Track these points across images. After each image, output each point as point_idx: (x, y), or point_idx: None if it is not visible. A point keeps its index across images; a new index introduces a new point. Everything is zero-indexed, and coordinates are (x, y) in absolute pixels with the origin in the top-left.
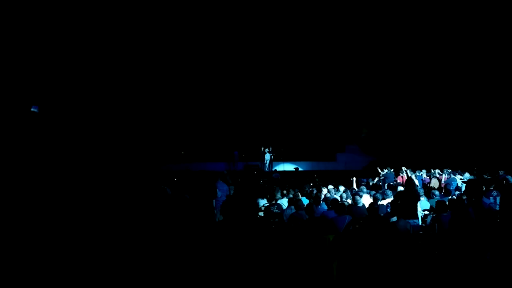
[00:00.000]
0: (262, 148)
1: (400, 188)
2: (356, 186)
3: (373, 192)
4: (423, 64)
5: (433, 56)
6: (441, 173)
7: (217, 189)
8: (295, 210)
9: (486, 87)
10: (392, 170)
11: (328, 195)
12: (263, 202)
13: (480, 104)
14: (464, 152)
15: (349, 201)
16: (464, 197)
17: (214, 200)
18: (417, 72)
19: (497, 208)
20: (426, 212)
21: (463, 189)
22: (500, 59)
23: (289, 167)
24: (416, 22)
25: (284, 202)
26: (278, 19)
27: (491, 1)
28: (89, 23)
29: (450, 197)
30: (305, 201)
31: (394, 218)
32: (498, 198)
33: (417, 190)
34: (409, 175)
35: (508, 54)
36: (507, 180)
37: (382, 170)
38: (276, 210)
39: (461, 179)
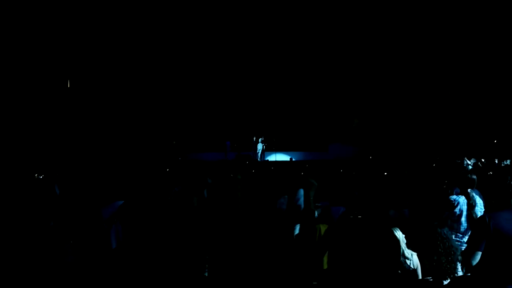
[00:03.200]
0: (254, 138)
1: None
2: None
3: None
4: (416, 56)
5: (425, 48)
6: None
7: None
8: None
9: (477, 79)
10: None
11: None
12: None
13: (472, 96)
14: (456, 144)
15: None
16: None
17: (205, 190)
18: (409, 64)
19: None
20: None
21: None
22: (492, 58)
23: (281, 157)
24: (406, 15)
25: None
26: (268, 12)
27: (491, 1)
28: (87, 23)
29: None
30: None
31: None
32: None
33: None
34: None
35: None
36: None
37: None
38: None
39: None
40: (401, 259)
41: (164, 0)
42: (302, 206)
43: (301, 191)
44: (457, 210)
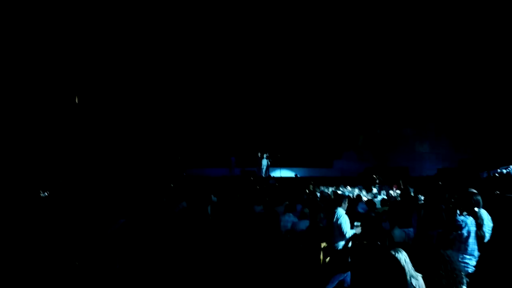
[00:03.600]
0: (259, 153)
1: None
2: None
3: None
4: (419, 72)
5: (430, 64)
6: None
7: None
8: (292, 218)
9: (489, 92)
10: None
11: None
12: (258, 208)
13: (482, 110)
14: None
15: None
16: None
17: (209, 207)
18: (412, 81)
19: None
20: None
21: None
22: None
23: (286, 173)
24: (415, 28)
25: (280, 209)
26: (276, 26)
27: (491, 1)
28: (89, 24)
29: None
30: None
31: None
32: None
33: (413, 199)
34: None
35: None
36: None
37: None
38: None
39: None
40: (408, 280)
41: (172, 15)
42: (343, 224)
43: (340, 210)
44: (464, 231)
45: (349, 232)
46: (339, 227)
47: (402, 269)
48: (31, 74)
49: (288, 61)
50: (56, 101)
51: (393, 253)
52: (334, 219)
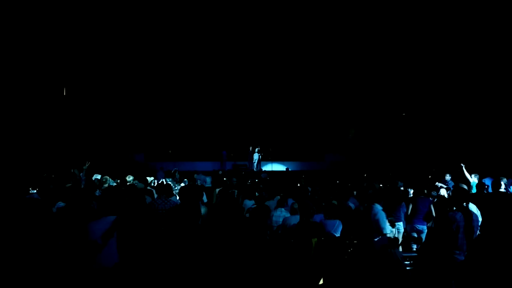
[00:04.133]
0: (251, 147)
1: None
2: None
3: None
4: (414, 64)
5: (424, 55)
6: None
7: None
8: (284, 212)
9: (484, 87)
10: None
11: None
12: (250, 203)
13: (474, 105)
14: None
15: None
16: None
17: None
18: (407, 74)
19: None
20: None
21: None
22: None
23: (277, 167)
24: (407, 20)
25: (272, 204)
26: (266, 20)
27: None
28: (84, 23)
29: None
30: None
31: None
32: None
33: (402, 193)
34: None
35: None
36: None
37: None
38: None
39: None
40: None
41: (163, 12)
42: (380, 221)
43: (377, 206)
44: (453, 226)
45: (386, 228)
46: (376, 223)
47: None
48: (24, 71)
49: (280, 55)
50: (49, 97)
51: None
52: (372, 215)
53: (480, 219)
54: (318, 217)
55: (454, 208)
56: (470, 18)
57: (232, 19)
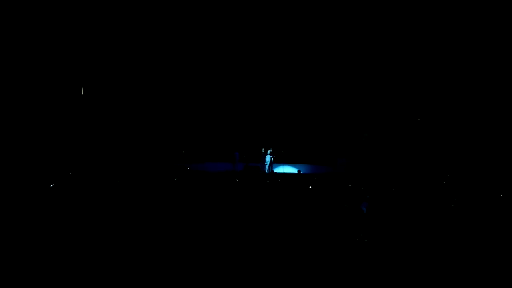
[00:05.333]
0: (263, 149)
1: None
2: None
3: None
4: (428, 68)
5: (435, 60)
6: None
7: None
8: None
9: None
10: None
11: None
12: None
13: (487, 110)
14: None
15: None
16: None
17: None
18: (422, 78)
19: None
20: None
21: None
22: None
23: (289, 169)
24: (417, 26)
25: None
26: (280, 25)
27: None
28: (88, 23)
29: None
30: None
31: None
32: None
33: None
34: None
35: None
36: None
37: None
38: None
39: None
40: None
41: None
42: None
43: None
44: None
45: None
46: None
47: None
48: (29, 71)
49: (294, 58)
50: (57, 96)
51: None
52: None
53: None
54: None
55: None
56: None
57: (249, 25)
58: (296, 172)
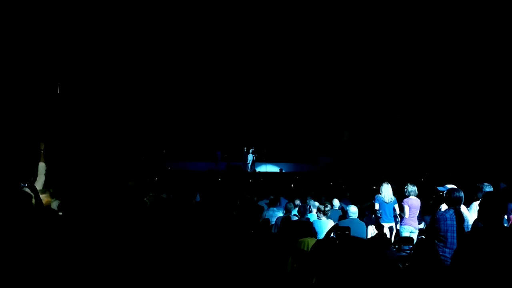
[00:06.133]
0: (245, 148)
1: None
2: None
3: None
4: (408, 67)
5: (419, 57)
6: None
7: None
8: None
9: (480, 90)
10: None
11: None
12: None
13: (474, 107)
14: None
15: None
16: None
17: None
18: (402, 77)
19: None
20: None
21: None
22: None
23: (271, 168)
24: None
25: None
26: (261, 22)
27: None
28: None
29: None
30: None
31: None
32: None
33: None
34: None
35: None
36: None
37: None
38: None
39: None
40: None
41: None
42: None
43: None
44: (442, 225)
45: None
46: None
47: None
48: (24, 71)
49: (274, 57)
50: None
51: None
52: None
53: (470, 222)
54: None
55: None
56: (468, 18)
57: (226, 20)
58: (278, 171)
